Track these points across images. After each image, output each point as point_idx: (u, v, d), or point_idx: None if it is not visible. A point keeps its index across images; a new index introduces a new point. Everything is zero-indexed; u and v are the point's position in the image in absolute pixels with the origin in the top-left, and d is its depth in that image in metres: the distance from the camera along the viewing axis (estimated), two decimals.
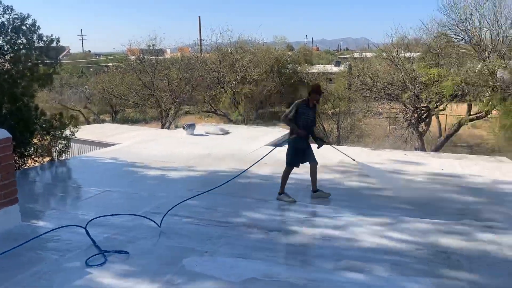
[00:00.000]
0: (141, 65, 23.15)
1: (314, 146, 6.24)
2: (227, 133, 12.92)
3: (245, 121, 20.04)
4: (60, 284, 3.64)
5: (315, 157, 6.19)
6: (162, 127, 21.59)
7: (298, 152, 6.14)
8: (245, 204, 5.97)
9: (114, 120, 27.04)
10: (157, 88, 21.46)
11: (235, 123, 19.17)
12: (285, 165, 6.29)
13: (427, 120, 13.92)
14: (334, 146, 6.31)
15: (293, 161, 6.21)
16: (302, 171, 7.97)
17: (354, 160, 6.64)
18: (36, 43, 8.98)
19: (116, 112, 28.12)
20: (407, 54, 16.21)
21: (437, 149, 14.48)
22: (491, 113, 12.21)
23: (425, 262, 4.22)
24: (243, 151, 10.05)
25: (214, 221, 5.25)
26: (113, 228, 4.94)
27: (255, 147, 10.54)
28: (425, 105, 13.12)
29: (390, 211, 5.74)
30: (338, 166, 8.52)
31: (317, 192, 6.28)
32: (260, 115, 25.85)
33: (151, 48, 25.56)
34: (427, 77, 11.28)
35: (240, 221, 5.28)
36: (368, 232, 4.97)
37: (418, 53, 16.48)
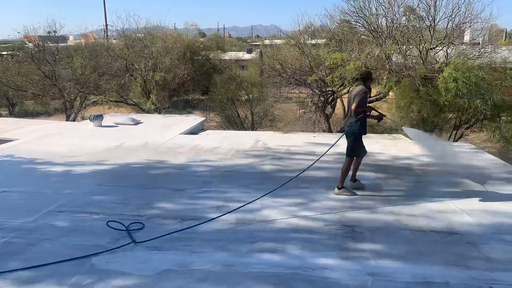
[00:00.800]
0: (40, 53, 21.32)
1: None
2: (138, 123, 12.46)
3: (158, 110, 19.46)
4: None
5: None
6: (67, 119, 20.17)
7: (361, 140, 5.90)
8: (159, 195, 5.83)
9: (11, 114, 24.65)
10: (59, 77, 19.94)
11: (147, 112, 18.54)
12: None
13: (332, 103, 14.71)
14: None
15: (361, 150, 5.92)
16: (217, 158, 8.00)
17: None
18: None
19: (14, 105, 25.66)
20: (313, 41, 16.89)
21: (342, 130, 15.39)
22: (389, 95, 13.27)
23: (333, 237, 4.49)
24: (157, 141, 9.78)
25: (126, 215, 5.05)
26: (12, 231, 4.53)
27: (170, 136, 10.33)
28: (330, 89, 13.83)
29: (299, 191, 6.00)
30: (252, 151, 8.68)
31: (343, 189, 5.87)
32: (174, 103, 25.29)
33: (51, 34, 23.62)
34: (331, 62, 11.89)
35: (153, 212, 5.15)
36: (280, 213, 5.15)
37: (323, 40, 17.25)
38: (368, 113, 5.82)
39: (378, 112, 6.08)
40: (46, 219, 4.91)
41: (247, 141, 9.87)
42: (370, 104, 6.37)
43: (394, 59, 11.85)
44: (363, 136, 5.87)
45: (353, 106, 5.67)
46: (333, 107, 15.05)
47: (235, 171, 7.17)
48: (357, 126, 5.73)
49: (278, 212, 5.19)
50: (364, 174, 6.89)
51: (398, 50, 11.67)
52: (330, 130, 14.09)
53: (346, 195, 5.78)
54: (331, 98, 14.46)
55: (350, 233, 4.60)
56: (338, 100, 15.59)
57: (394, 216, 5.11)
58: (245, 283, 3.53)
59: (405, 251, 4.18)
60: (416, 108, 11.35)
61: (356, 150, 5.87)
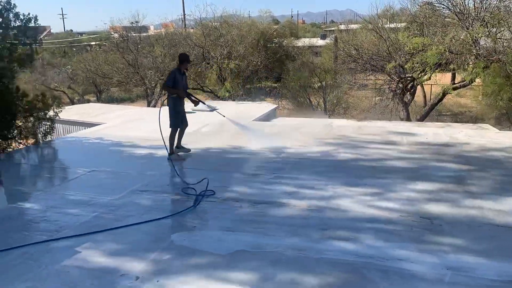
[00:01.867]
0: (124, 42, 22.71)
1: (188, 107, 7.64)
2: (214, 109, 12.83)
3: (232, 97, 19.87)
4: (49, 264, 3.66)
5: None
6: (148, 105, 21.38)
7: (179, 115, 7.16)
8: (233, 179, 5.99)
9: (99, 100, 26.67)
10: (141, 65, 21.12)
11: (222, 99, 19.01)
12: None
13: (412, 90, 13.97)
14: (206, 103, 7.88)
15: (176, 122, 7.16)
16: (289, 145, 8.03)
17: (224, 116, 7.99)
18: (12, 22, 8.72)
19: (101, 91, 27.71)
20: (392, 25, 16.12)
21: (422, 118, 14.61)
22: (474, 81, 12.30)
23: (409, 229, 4.32)
24: (231, 127, 10.02)
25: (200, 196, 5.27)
26: (101, 207, 4.94)
27: (243, 123, 10.51)
28: (410, 75, 13.14)
29: (375, 181, 5.83)
30: (325, 139, 8.58)
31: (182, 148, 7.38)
32: (248, 90, 25.66)
33: (134, 25, 25.04)
34: (411, 47, 11.26)
35: (227, 195, 5.32)
36: (354, 201, 5.06)
37: (403, 24, 16.39)
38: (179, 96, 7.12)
39: (192, 98, 7.44)
40: (130, 197, 5.29)
41: (320, 129, 9.77)
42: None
43: (482, 42, 10.94)
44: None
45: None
46: (413, 94, 14.30)
47: (308, 159, 7.15)
48: (171, 102, 7.12)
49: (352, 201, 5.10)
50: (447, 165, 6.53)
51: (487, 33, 10.75)
52: (408, 119, 13.43)
53: (176, 160, 7.00)
54: (410, 84, 13.74)
55: (428, 226, 4.40)
56: (419, 87, 14.78)
57: (478, 210, 4.79)
58: (316, 269, 3.54)
59: (488, 247, 3.90)
60: (506, 95, 10.42)
61: (172, 122, 7.14)
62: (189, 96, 7.42)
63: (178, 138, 7.32)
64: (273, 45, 27.04)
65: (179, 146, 7.39)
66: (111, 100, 27.33)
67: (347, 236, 4.13)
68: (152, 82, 20.98)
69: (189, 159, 7.25)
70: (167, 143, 7.12)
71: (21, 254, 3.83)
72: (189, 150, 7.45)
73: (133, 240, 4.11)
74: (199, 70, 20.92)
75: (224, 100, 17.77)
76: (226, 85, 19.22)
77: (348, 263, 3.63)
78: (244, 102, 16.02)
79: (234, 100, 18.08)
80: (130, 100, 28.30)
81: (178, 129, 7.28)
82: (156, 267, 3.57)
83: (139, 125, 10.54)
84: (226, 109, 13.08)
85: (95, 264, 3.65)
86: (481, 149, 7.64)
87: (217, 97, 20.28)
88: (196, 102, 7.56)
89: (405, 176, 6.03)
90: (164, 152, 7.54)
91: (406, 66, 12.51)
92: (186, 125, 7.44)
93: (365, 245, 3.96)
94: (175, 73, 7.06)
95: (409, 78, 13.44)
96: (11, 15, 8.60)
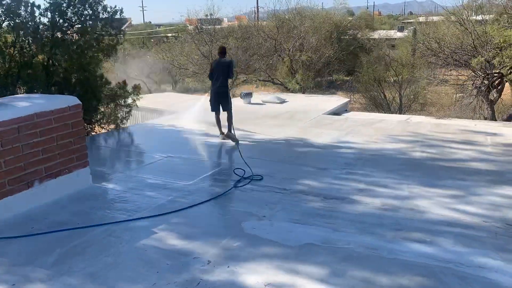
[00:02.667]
0: (199, 34, 23.40)
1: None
2: (284, 101, 12.85)
3: (302, 90, 19.74)
4: (129, 241, 3.89)
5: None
6: None
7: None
8: (303, 172, 5.95)
9: (174, 89, 27.83)
10: (215, 57, 21.64)
11: (292, 91, 18.96)
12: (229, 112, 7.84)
13: (499, 87, 12.90)
14: None
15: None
16: (361, 140, 7.82)
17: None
18: (101, 14, 9.32)
19: (176, 81, 28.88)
20: (479, 17, 14.97)
21: (510, 118, 13.46)
22: None
23: (493, 235, 4.01)
24: (300, 119, 9.97)
25: (272, 187, 5.30)
26: (176, 191, 5.16)
27: (313, 116, 10.42)
28: (497, 71, 12.13)
29: (455, 182, 5.49)
30: (400, 135, 8.23)
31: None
32: (318, 83, 25.33)
33: (208, 17, 25.71)
34: (501, 40, 10.36)
35: (297, 188, 5.29)
36: (432, 203, 4.80)
37: (491, 15, 15.16)
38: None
39: None
40: (203, 183, 5.46)
41: (395, 125, 9.39)
42: None
43: None
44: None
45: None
46: (500, 92, 13.21)
47: (381, 155, 6.90)
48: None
49: (429, 202, 4.84)
50: None
51: None
52: (493, 118, 12.44)
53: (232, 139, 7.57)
54: (497, 81, 12.69)
55: None
56: (507, 84, 13.62)
57: None
58: (389, 269, 3.41)
59: None
60: None
61: (230, 106, 7.87)
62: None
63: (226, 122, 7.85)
64: (347, 37, 26.42)
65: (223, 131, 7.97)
66: (186, 90, 28.40)
67: (423, 238, 3.93)
68: None
69: (256, 149, 7.32)
70: (231, 131, 7.69)
71: (104, 230, 4.11)
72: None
73: (205, 225, 4.24)
74: (270, 62, 21.02)
75: (294, 93, 17.69)
76: (297, 77, 19.12)
77: (423, 266, 3.45)
78: (314, 95, 15.83)
79: (304, 93, 17.94)
80: (203, 90, 29.18)
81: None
82: (227, 253, 3.65)
83: (210, 114, 10.81)
84: (296, 101, 13.05)
85: (170, 245, 3.81)
86: None
87: (286, 89, 20.27)
88: None
89: (488, 180, 5.61)
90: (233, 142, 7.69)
91: (494, 61, 11.55)
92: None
93: (443, 249, 3.74)
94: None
95: (496, 74, 12.42)
96: (99, 7, 9.20)
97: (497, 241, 3.91)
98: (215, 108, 7.94)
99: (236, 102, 12.70)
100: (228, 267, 3.42)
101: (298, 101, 13.15)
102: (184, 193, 5.10)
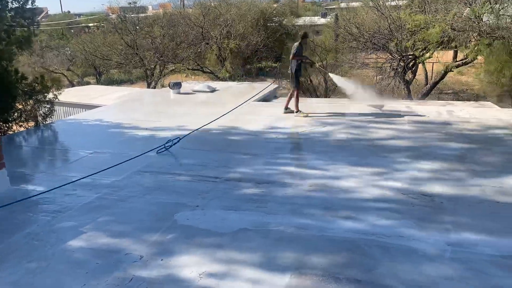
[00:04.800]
0: (123, 23, 22.47)
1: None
2: (214, 90, 12.79)
3: (232, 78, 19.74)
4: (54, 244, 3.71)
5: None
6: (148, 87, 21.27)
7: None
8: (235, 160, 6.00)
9: (98, 82, 26.54)
10: (140, 47, 20.94)
11: (222, 80, 18.89)
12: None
13: (413, 68, 13.85)
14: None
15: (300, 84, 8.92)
16: (290, 125, 8.02)
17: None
18: (10, 4, 8.61)
19: (100, 73, 27.55)
20: (393, 3, 15.85)
21: (424, 97, 14.53)
22: (477, 59, 12.18)
23: (410, 207, 4.35)
24: (231, 107, 9.99)
25: (204, 176, 5.29)
26: (104, 188, 4.97)
27: (244, 104, 10.48)
28: (411, 53, 13.00)
29: (378, 160, 5.85)
30: (327, 118, 8.56)
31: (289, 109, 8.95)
32: (248, 71, 25.46)
33: (131, 5, 24.73)
34: (413, 24, 11.10)
35: (230, 175, 5.34)
36: (357, 181, 5.08)
37: (405, 1, 16.12)
38: (303, 61, 8.93)
39: (310, 60, 9.21)
40: (133, 178, 5.32)
41: (322, 109, 9.74)
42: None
43: (485, 19, 10.77)
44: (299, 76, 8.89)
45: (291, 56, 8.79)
46: (414, 73, 14.18)
47: (309, 138, 7.15)
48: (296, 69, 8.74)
49: (355, 180, 5.12)
50: (449, 144, 6.53)
51: (490, 10, 10.58)
52: (410, 97, 13.35)
53: (301, 116, 8.63)
54: (412, 63, 13.60)
55: (429, 203, 4.43)
56: (420, 65, 14.63)
57: (479, 188, 4.81)
58: (318, 246, 3.58)
59: (489, 224, 3.93)
60: (509, 73, 10.33)
61: (296, 83, 8.82)
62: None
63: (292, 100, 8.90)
64: (273, 24, 26.72)
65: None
66: (111, 82, 27.20)
67: (349, 215, 4.17)
68: (152, 63, 20.83)
69: (188, 140, 7.25)
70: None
71: (26, 234, 3.87)
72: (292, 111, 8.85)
73: (136, 220, 4.14)
74: (198, 50, 20.74)
75: (224, 81, 17.66)
76: (226, 66, 19.07)
77: (349, 241, 3.67)
78: (244, 82, 15.92)
79: (234, 81, 17.97)
80: (130, 81, 28.16)
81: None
82: (160, 246, 3.62)
83: (138, 107, 10.51)
84: (227, 89, 13.05)
85: (99, 244, 3.69)
86: (483, 127, 7.62)
87: (217, 77, 20.16)
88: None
89: (407, 155, 6.04)
90: (164, 134, 7.55)
91: (407, 44, 12.36)
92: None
93: (367, 223, 3.99)
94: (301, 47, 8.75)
95: (410, 57, 13.31)
96: None
97: (414, 211, 4.24)
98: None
99: (165, 93, 12.46)
100: (161, 260, 3.39)
101: (229, 89, 13.17)
102: (113, 189, 4.93)
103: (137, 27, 22.48)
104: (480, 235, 3.72)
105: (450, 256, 3.41)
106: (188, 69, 21.20)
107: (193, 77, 24.22)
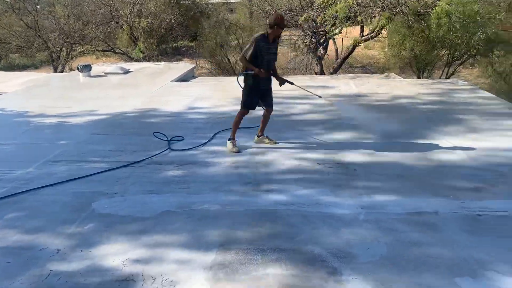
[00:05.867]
0: (20, 2, 20.45)
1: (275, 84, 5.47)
2: (128, 72, 12.26)
3: (147, 58, 19.01)
4: None
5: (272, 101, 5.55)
6: (55, 71, 19.77)
7: (257, 93, 5.35)
8: (154, 142, 5.84)
9: None
10: (42, 28, 19.28)
11: (136, 61, 18.11)
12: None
13: (324, 44, 14.42)
14: (297, 84, 5.67)
15: (248, 103, 5.41)
16: (210, 104, 7.97)
17: (320, 97, 6.14)
18: None
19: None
20: None
21: (335, 71, 15.22)
22: (381, 33, 13.00)
23: (326, 175, 4.60)
24: (148, 89, 9.67)
25: (122, 161, 5.09)
26: (11, 182, 4.58)
27: (161, 84, 10.21)
28: (322, 29, 13.49)
29: (295, 134, 6.06)
30: None
31: (261, 137, 5.70)
32: (163, 51, 24.67)
33: None
34: (321, 1, 11.52)
35: (149, 159, 5.20)
36: (277, 155, 5.23)
37: None
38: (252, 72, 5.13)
39: (277, 75, 5.43)
40: (43, 169, 4.96)
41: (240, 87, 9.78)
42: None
43: None
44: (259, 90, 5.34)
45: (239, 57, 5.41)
46: (326, 49, 14.77)
47: (230, 117, 7.15)
48: (249, 76, 5.21)
49: (274, 154, 5.27)
50: (359, 115, 6.93)
51: None
52: (322, 72, 13.93)
53: (230, 150, 5.40)
54: (323, 39, 14.14)
55: (343, 171, 4.71)
56: (331, 41, 15.26)
57: (387, 154, 5.21)
58: (242, 220, 3.65)
59: (397, 186, 4.29)
60: (408, 45, 11.17)
61: (243, 100, 5.45)
62: (275, 75, 5.43)
63: (261, 123, 5.68)
64: (186, 2, 26.06)
65: (262, 135, 5.71)
66: (12, 68, 24.78)
67: (271, 188, 4.29)
68: (57, 46, 19.32)
69: (101, 125, 6.90)
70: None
71: None
72: (276, 143, 5.65)
73: (49, 213, 3.88)
74: (108, 30, 19.62)
75: (139, 62, 16.97)
76: (139, 46, 18.30)
77: (272, 212, 3.79)
78: (160, 63, 15.45)
79: (149, 61, 17.36)
80: (34, 66, 25.90)
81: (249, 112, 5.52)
82: (78, 237, 3.44)
83: (46, 93, 9.75)
84: (142, 70, 12.57)
85: (10, 242, 3.42)
86: (389, 98, 8.22)
87: (130, 58, 19.30)
88: (282, 82, 5.48)
89: (322, 128, 6.34)
90: (75, 120, 7.12)
91: (317, 19, 12.80)
92: (270, 109, 5.59)
93: (288, 194, 4.15)
94: (259, 41, 5.11)
95: (321, 33, 13.82)
96: None
97: (330, 180, 4.49)
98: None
99: (74, 77, 11.67)
100: (81, 251, 3.24)
101: (144, 70, 12.71)
102: (21, 183, 4.56)
103: (38, 7, 20.62)
104: (389, 196, 4.04)
105: (363, 218, 3.67)
106: (98, 50, 20.02)
107: (104, 59, 22.95)
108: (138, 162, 5.07)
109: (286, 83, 5.48)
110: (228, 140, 5.50)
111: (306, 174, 4.63)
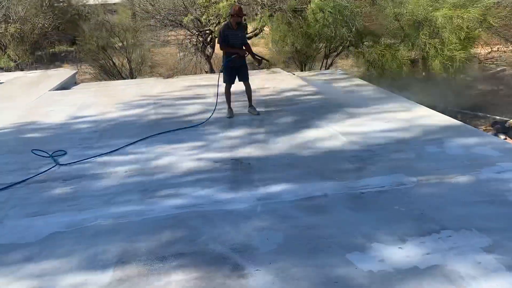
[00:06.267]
0: None
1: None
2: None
3: (20, 67, 17.27)
4: None
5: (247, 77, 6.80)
6: None
7: (233, 71, 6.67)
8: (35, 159, 5.32)
9: None
10: None
11: (7, 70, 16.34)
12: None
13: (211, 43, 14.52)
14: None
15: (227, 79, 6.72)
16: (96, 112, 7.53)
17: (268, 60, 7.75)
18: None
19: None
20: None
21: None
22: (264, 30, 13.50)
23: (223, 172, 4.66)
24: (23, 101, 8.81)
25: None
26: None
27: (38, 94, 9.37)
28: (207, 28, 13.56)
29: (191, 135, 6.03)
30: (134, 101, 8.33)
31: (252, 107, 6.92)
32: (39, 57, 22.62)
33: None
34: (203, 0, 11.58)
35: (31, 178, 4.73)
36: (172, 158, 5.14)
37: None
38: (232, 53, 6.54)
39: (254, 54, 6.85)
40: None
41: (128, 91, 9.42)
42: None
43: None
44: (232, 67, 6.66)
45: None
46: (213, 47, 14.87)
47: (118, 124, 6.86)
48: (226, 58, 6.62)
49: (170, 158, 5.17)
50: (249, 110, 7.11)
51: None
52: (212, 71, 14.01)
53: (227, 116, 6.78)
54: (209, 38, 14.21)
55: (239, 167, 4.81)
56: (217, 40, 15.40)
57: (279, 145, 5.44)
58: (140, 231, 3.52)
59: (288, 175, 4.50)
60: (290, 41, 11.76)
61: (224, 78, 6.77)
62: (252, 55, 6.78)
63: (247, 96, 6.97)
64: (61, 4, 24.23)
65: (251, 105, 6.97)
66: None
67: (168, 193, 4.20)
68: None
69: None
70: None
71: None
72: (258, 113, 6.90)
73: None
74: None
75: (9, 71, 15.35)
76: (9, 53, 16.57)
77: (171, 217, 3.72)
78: (36, 71, 14.17)
79: (22, 70, 15.81)
80: None
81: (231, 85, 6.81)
82: None
83: None
84: (14, 80, 11.38)
85: None
86: (276, 92, 8.57)
87: (0, 68, 17.35)
88: (259, 61, 6.98)
89: (216, 126, 6.37)
90: None
91: (201, 19, 12.83)
92: (247, 82, 6.87)
93: (186, 196, 4.11)
94: (224, 30, 6.52)
95: (207, 31, 13.88)
96: None
97: (227, 177, 4.56)
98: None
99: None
100: None
101: (17, 80, 11.55)
102: None
103: None
104: (282, 186, 4.23)
105: (260, 209, 3.80)
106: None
107: None
108: (23, 181, 4.59)
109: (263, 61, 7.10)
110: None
111: (203, 174, 4.63)
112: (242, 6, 7.34)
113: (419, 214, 3.58)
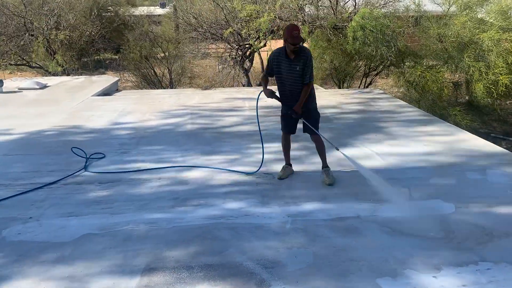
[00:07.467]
0: None
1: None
2: (45, 86, 11.55)
3: (66, 72, 18.03)
4: None
5: (316, 128, 4.66)
6: None
7: (285, 117, 4.74)
8: (74, 161, 5.50)
9: None
10: None
11: (54, 75, 17.10)
12: None
13: (250, 57, 14.69)
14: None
15: (282, 125, 4.89)
16: (135, 119, 7.70)
17: (337, 149, 4.65)
18: None
19: None
20: None
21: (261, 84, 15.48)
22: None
23: (254, 186, 4.62)
24: (68, 105, 9.16)
25: (37, 183, 4.74)
26: None
27: (81, 99, 9.73)
28: (247, 42, 13.72)
29: (225, 146, 6.05)
30: (172, 110, 8.49)
31: (325, 170, 4.78)
32: (85, 64, 23.57)
33: None
34: (246, 14, 11.74)
35: (68, 180, 4.88)
36: (204, 169, 5.16)
37: None
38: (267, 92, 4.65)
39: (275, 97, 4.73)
40: None
41: (167, 100, 9.63)
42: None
43: (307, 10, 11.97)
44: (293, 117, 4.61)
45: None
46: (251, 61, 15.03)
47: (156, 132, 6.99)
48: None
49: (200, 169, 5.20)
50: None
51: (311, 1, 11.80)
52: (249, 84, 14.14)
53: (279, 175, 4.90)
54: (248, 52, 14.38)
55: (271, 181, 4.77)
56: (256, 54, 15.56)
57: (312, 163, 5.35)
58: (169, 238, 3.54)
59: (320, 193, 4.41)
60: (328, 57, 11.70)
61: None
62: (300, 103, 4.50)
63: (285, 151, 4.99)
64: (109, 13, 25.25)
65: (325, 166, 4.82)
66: None
67: (198, 203, 4.22)
68: None
69: (16, 145, 6.40)
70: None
71: None
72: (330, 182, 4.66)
73: None
74: (22, 43, 18.36)
75: (57, 76, 16.05)
76: (58, 59, 17.34)
77: (199, 228, 3.72)
78: (80, 76, 14.75)
79: (69, 75, 16.49)
80: None
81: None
82: None
83: None
84: (61, 85, 11.89)
85: None
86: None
87: (48, 72, 18.18)
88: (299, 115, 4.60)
89: (250, 140, 6.36)
90: None
91: (242, 33, 13.00)
92: (313, 137, 4.81)
93: (215, 207, 4.11)
94: (275, 55, 4.44)
95: (247, 46, 14.05)
96: None
97: (258, 190, 4.52)
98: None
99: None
100: None
101: (63, 84, 12.04)
102: None
103: None
104: (313, 204, 4.15)
105: (290, 226, 3.73)
106: (11, 64, 18.65)
107: (19, 73, 21.45)
108: (55, 182, 4.75)
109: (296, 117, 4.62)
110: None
111: (235, 187, 4.62)
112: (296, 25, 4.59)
113: (457, 243, 3.42)
